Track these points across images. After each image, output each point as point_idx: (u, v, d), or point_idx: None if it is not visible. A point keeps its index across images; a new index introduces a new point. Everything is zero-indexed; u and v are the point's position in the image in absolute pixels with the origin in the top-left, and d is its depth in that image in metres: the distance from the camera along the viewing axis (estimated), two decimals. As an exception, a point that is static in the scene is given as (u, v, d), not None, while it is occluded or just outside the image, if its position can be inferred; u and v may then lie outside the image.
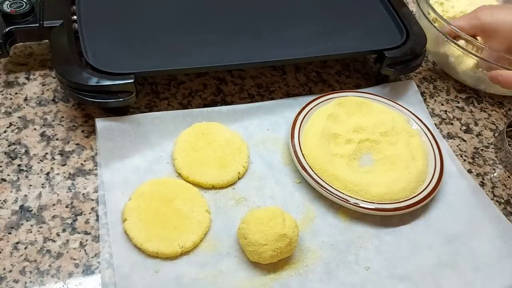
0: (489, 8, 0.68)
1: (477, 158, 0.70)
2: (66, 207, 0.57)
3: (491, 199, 0.65)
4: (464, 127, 0.74)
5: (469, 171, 0.68)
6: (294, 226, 0.54)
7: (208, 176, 0.60)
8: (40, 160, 0.61)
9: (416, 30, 0.73)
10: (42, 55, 0.73)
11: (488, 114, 0.76)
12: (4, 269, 0.51)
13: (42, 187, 0.58)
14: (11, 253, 0.52)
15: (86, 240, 0.54)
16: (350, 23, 0.74)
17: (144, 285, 0.51)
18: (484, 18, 0.65)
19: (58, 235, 0.54)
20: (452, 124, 0.74)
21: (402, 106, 0.70)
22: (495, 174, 0.68)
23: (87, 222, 0.56)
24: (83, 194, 0.58)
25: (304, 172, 0.60)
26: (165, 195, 0.57)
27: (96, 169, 0.60)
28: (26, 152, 0.61)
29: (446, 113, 0.75)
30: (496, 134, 0.74)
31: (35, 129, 0.64)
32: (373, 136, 0.65)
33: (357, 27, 0.73)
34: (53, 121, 0.65)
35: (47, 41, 0.66)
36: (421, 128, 0.68)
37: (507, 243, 0.59)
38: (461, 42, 0.73)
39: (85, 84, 0.59)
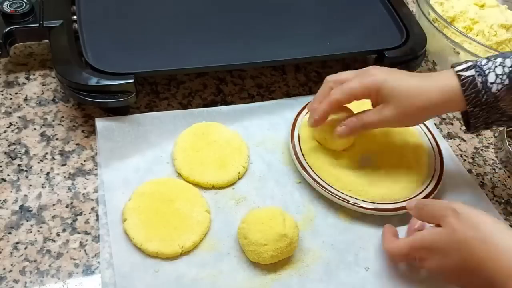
0: (381, 70, 0.58)
1: (477, 158, 0.70)
2: (66, 207, 0.57)
3: (491, 199, 0.64)
4: (464, 127, 0.74)
5: (469, 171, 0.68)
6: (294, 226, 0.54)
7: (208, 176, 0.60)
8: (40, 160, 0.61)
9: (416, 30, 0.73)
10: (42, 55, 0.73)
11: (488, 114, 0.76)
12: (4, 269, 0.51)
13: (42, 187, 0.58)
14: (11, 253, 0.52)
15: (86, 240, 0.54)
16: (350, 23, 0.74)
17: (144, 285, 0.51)
18: (378, 80, 0.57)
19: (58, 235, 0.54)
20: (452, 124, 0.74)
21: (402, 106, 0.70)
22: (495, 174, 0.68)
23: (87, 222, 0.56)
24: (83, 194, 0.58)
25: (304, 172, 0.60)
26: (165, 195, 0.57)
27: (96, 169, 0.60)
28: (26, 152, 0.61)
29: (446, 113, 0.75)
30: (496, 134, 0.73)
31: (35, 129, 0.64)
32: (373, 136, 0.65)
33: (357, 27, 0.73)
34: (53, 121, 0.65)
35: (47, 41, 0.66)
36: (421, 128, 0.67)
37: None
38: (461, 41, 0.73)
39: (85, 84, 0.59)
